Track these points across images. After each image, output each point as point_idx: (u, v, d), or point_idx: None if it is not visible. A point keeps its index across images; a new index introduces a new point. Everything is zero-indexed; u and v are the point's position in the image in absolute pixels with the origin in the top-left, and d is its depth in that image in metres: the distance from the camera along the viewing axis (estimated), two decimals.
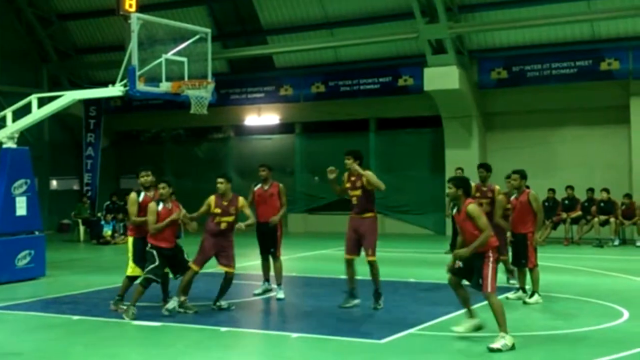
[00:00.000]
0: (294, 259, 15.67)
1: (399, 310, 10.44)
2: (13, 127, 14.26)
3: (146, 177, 10.47)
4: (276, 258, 11.64)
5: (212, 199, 10.43)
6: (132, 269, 10.36)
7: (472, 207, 8.28)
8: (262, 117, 25.06)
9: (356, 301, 10.52)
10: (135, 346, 8.72)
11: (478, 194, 11.89)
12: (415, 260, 16.70)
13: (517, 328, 8.78)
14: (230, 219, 10.38)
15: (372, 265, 10.32)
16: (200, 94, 13.99)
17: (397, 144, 23.30)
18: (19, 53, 25.44)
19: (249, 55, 24.14)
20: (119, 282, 10.75)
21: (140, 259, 10.21)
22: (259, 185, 11.79)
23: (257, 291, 11.88)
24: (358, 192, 10.35)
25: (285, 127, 25.22)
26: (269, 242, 11.62)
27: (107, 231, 21.56)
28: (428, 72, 20.79)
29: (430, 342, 8.66)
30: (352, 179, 10.45)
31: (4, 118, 14.57)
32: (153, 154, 27.19)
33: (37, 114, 14.33)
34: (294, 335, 9.00)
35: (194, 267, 10.28)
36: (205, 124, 24.11)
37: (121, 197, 23.68)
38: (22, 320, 10.34)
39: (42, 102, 14.47)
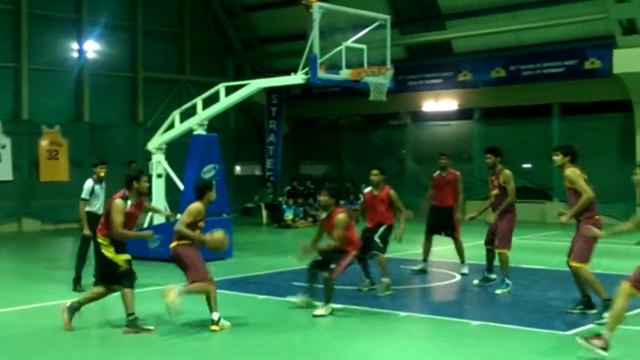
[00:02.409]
0: (474, 247, 15.38)
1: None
2: (203, 114, 15.06)
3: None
4: (456, 239, 12.55)
5: None
6: None
7: None
8: (440, 103, 24.81)
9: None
10: (316, 326, 8.93)
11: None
12: (603, 250, 15.84)
13: None
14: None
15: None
16: (379, 81, 14.10)
17: (582, 130, 22.21)
18: (207, 44, 26.76)
19: (428, 41, 23.98)
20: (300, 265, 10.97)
21: None
22: (437, 172, 12.72)
23: (415, 268, 12.67)
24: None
25: (463, 113, 24.82)
26: (446, 225, 12.42)
27: (289, 215, 22.24)
28: (618, 54, 19.65)
29: (619, 335, 8.22)
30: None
31: (194, 106, 15.42)
32: (330, 141, 27.72)
33: (225, 102, 15.04)
34: (475, 322, 8.87)
35: None
36: (381, 111, 24.17)
37: (301, 182, 24.39)
38: None
39: (228, 91, 15.15)
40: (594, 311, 9.08)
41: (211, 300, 8.66)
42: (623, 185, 20.63)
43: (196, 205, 8.87)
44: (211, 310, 8.64)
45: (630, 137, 20.65)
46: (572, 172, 9.13)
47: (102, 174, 11.47)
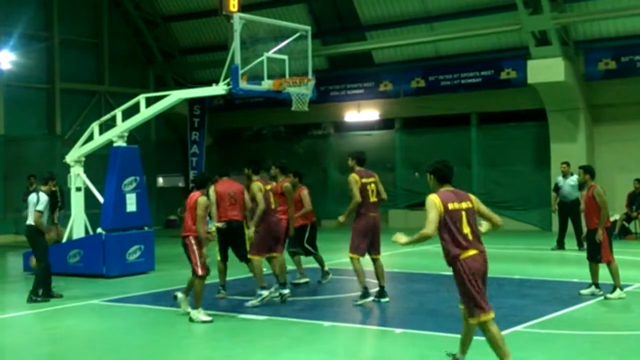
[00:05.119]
0: (396, 255, 15.59)
1: (504, 307, 10.23)
2: (123, 126, 14.81)
3: None
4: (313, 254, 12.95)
5: None
6: None
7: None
8: (362, 113, 25.06)
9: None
10: (240, 339, 8.87)
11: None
12: (520, 256, 16.35)
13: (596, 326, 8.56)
14: None
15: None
16: (301, 91, 14.14)
17: (499, 139, 22.86)
18: (127, 55, 26.36)
19: (349, 52, 24.20)
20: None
21: None
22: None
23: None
24: None
25: (385, 123, 25.14)
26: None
27: (212, 227, 21.95)
28: (532, 64, 20.27)
29: (537, 339, 8.47)
30: None
31: (114, 118, 15.16)
32: (254, 151, 27.62)
33: (146, 113, 14.84)
34: (397, 330, 8.98)
35: None
36: (305, 121, 24.30)
37: None
38: (134, 313, 10.74)
39: (149, 102, 14.96)
40: (371, 298, 10.44)
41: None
42: (538, 191, 21.39)
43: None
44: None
45: (545, 145, 21.30)
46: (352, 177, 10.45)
47: (54, 188, 12.20)
